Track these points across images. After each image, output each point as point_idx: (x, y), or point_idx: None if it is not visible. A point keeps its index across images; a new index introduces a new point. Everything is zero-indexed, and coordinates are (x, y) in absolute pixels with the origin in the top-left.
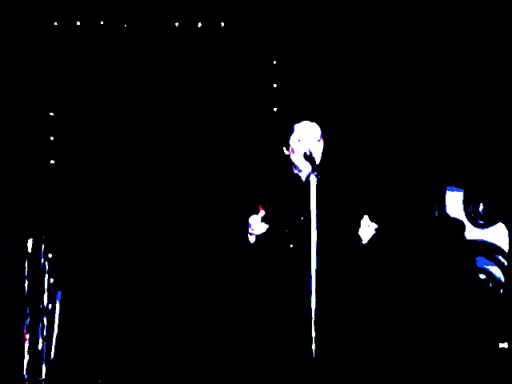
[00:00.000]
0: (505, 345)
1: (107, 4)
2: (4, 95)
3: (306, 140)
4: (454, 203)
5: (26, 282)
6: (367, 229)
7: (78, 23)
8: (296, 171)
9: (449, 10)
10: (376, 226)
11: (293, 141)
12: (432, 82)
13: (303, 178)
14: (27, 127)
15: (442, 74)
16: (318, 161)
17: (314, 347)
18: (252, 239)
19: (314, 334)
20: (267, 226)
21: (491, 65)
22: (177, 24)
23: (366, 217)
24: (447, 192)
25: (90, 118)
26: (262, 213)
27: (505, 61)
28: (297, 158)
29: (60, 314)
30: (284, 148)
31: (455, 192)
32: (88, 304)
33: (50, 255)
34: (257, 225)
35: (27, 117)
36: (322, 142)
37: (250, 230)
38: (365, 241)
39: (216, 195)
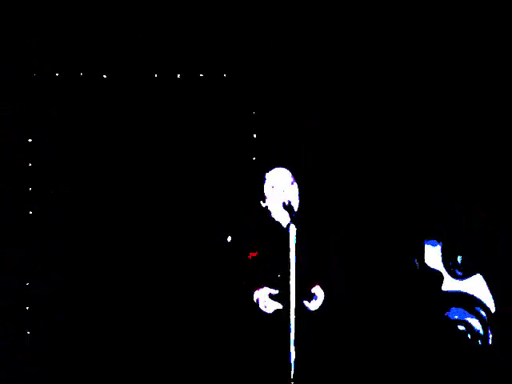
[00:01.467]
0: None
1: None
2: (3, 95)
3: (279, 187)
4: (433, 255)
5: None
6: (315, 301)
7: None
8: (276, 219)
9: (448, 10)
10: (322, 296)
11: (267, 189)
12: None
13: (284, 226)
14: (27, 128)
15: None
16: (295, 208)
17: None
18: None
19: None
20: (279, 304)
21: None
22: (156, 75)
23: (317, 287)
24: (425, 245)
25: (87, 120)
26: (268, 289)
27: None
28: (274, 208)
29: (59, 315)
30: (261, 201)
31: (433, 245)
32: (87, 305)
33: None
34: (267, 302)
35: (27, 117)
36: (295, 186)
37: (261, 306)
38: (312, 309)
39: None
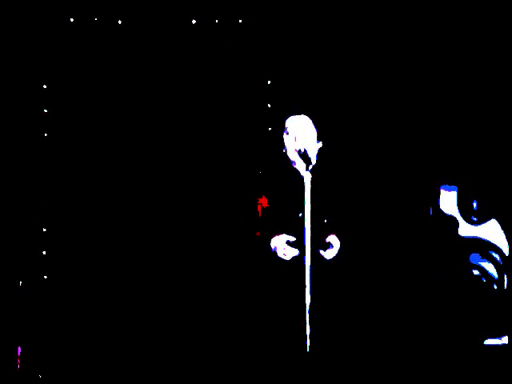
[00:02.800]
0: (505, 340)
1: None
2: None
3: (298, 135)
4: (448, 201)
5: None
6: (331, 249)
7: (72, 20)
8: (294, 166)
9: (447, 10)
10: (338, 245)
11: (286, 136)
12: (425, 79)
13: (302, 173)
14: (23, 125)
15: (436, 71)
16: (313, 157)
17: (308, 343)
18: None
19: (308, 331)
20: (297, 250)
21: (484, 61)
22: (170, 21)
23: (332, 235)
24: (441, 190)
25: (87, 116)
26: (285, 237)
27: (499, 55)
28: (291, 154)
29: (58, 313)
30: (283, 146)
31: (449, 190)
32: (87, 303)
33: (48, 253)
34: (285, 249)
35: (23, 114)
36: (315, 135)
37: (279, 254)
38: (327, 257)
39: (213, 192)
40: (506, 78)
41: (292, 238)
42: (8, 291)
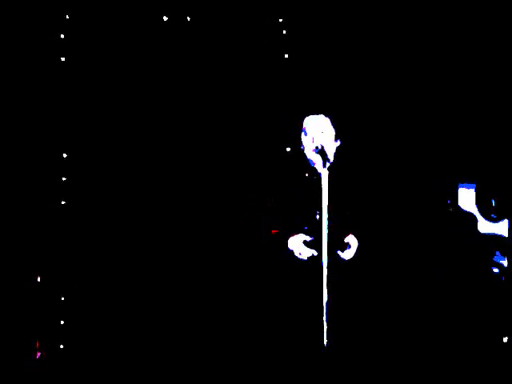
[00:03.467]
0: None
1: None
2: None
3: (316, 134)
4: (467, 198)
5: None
6: (349, 250)
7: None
8: (312, 165)
9: (454, 8)
10: (356, 245)
11: (304, 136)
12: (445, 77)
13: (318, 170)
14: (23, 127)
15: (456, 68)
16: (331, 155)
17: (325, 342)
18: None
19: (325, 328)
20: (314, 251)
21: (503, 58)
22: (189, 18)
23: (351, 235)
24: (460, 188)
25: (87, 116)
26: (303, 236)
27: None
28: (308, 152)
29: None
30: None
31: (468, 188)
32: (90, 305)
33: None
34: (301, 249)
35: (24, 118)
36: (332, 133)
37: (296, 254)
38: (345, 258)
39: (229, 190)
40: None
41: (308, 238)
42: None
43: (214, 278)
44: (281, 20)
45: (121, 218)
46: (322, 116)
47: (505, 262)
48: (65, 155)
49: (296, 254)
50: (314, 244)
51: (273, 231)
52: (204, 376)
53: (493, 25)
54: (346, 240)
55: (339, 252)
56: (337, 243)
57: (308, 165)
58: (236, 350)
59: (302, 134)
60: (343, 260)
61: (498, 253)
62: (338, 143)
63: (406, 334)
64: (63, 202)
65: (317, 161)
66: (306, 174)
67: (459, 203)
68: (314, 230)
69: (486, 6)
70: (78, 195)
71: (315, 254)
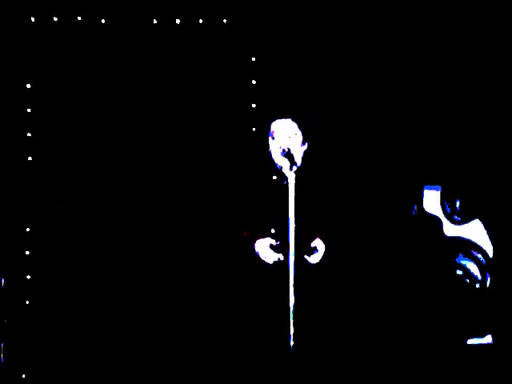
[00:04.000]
0: (488, 339)
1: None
2: None
3: (283, 137)
4: (431, 201)
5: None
6: (316, 254)
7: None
8: (279, 168)
9: (445, 10)
10: (323, 250)
11: (271, 139)
12: (409, 80)
13: (285, 173)
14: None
15: (419, 70)
16: (298, 158)
17: (292, 342)
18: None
19: (292, 330)
20: (280, 255)
21: (473, 64)
22: (155, 21)
23: (317, 239)
24: (425, 190)
25: (83, 115)
26: (269, 240)
27: (488, 61)
28: (276, 156)
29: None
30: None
31: (432, 190)
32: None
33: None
34: (267, 252)
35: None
36: (299, 136)
37: (262, 257)
38: (313, 262)
39: (197, 193)
40: (489, 76)
41: (274, 242)
42: None
43: (182, 279)
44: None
45: (94, 221)
46: (289, 120)
47: (468, 264)
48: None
49: (262, 257)
50: (281, 248)
51: (244, 234)
52: (172, 377)
53: (475, 29)
54: (312, 244)
55: (306, 256)
56: (304, 247)
57: (275, 168)
58: (204, 352)
59: (270, 137)
60: (310, 264)
61: (461, 255)
62: (305, 147)
63: (373, 335)
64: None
65: (284, 164)
66: (274, 177)
67: (424, 205)
68: (281, 234)
69: (483, 6)
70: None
71: (281, 258)
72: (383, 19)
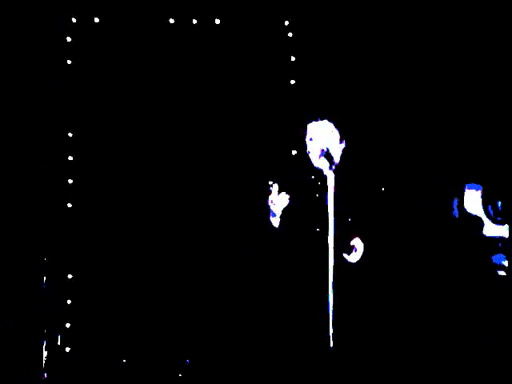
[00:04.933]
0: None
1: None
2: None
3: (320, 137)
4: (473, 200)
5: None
6: (355, 253)
7: (74, 20)
8: (318, 167)
9: (457, 9)
10: (362, 249)
11: (308, 139)
12: (448, 79)
13: (324, 173)
14: (23, 129)
15: (459, 69)
16: (336, 157)
17: (331, 342)
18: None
19: (331, 330)
20: (287, 200)
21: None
22: (194, 21)
23: (356, 238)
24: (466, 189)
25: (87, 117)
26: (276, 187)
27: None
28: (314, 156)
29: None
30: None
31: (474, 190)
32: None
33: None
34: (277, 200)
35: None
36: (336, 134)
37: (271, 208)
38: (352, 261)
39: (234, 195)
40: None
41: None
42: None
43: (217, 278)
44: (287, 23)
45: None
46: (325, 121)
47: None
48: (71, 157)
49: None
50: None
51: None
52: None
53: (491, 29)
54: (351, 243)
55: (345, 255)
56: (343, 246)
57: (314, 168)
58: (240, 350)
59: (307, 137)
60: (349, 263)
61: (503, 256)
62: (343, 145)
63: (411, 337)
64: (69, 205)
65: (323, 164)
66: (313, 177)
67: (465, 205)
68: (320, 234)
69: (484, 7)
70: (81, 197)
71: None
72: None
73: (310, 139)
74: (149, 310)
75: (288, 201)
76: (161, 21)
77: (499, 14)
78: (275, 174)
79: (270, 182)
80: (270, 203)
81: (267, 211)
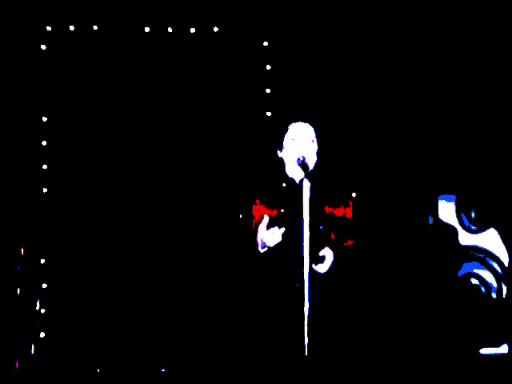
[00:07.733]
0: (504, 349)
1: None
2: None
3: (298, 142)
4: (447, 210)
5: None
6: (323, 264)
7: (72, 28)
8: (290, 174)
9: (448, 10)
10: (332, 259)
11: (286, 142)
12: (423, 87)
13: (297, 181)
14: (20, 131)
15: (433, 76)
16: (311, 165)
17: (306, 344)
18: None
19: (306, 331)
20: (279, 238)
21: (480, 71)
22: (170, 29)
23: (326, 249)
24: (439, 200)
25: (84, 120)
26: (267, 219)
27: (495, 66)
28: (289, 163)
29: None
30: (278, 151)
31: (446, 201)
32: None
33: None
34: (269, 237)
35: (21, 120)
36: (315, 143)
37: (261, 243)
38: (321, 271)
39: (208, 196)
40: (504, 84)
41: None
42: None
43: (193, 281)
44: (262, 31)
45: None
46: (304, 125)
47: (484, 273)
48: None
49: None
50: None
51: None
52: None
53: (482, 33)
54: (320, 253)
55: (313, 265)
56: (313, 257)
57: (287, 177)
58: (219, 351)
59: (284, 143)
60: (319, 273)
61: (476, 264)
62: (315, 146)
63: (386, 342)
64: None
65: (297, 173)
66: (284, 185)
67: (439, 215)
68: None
69: (480, 9)
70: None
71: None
72: (388, 21)
73: (286, 143)
74: (125, 299)
75: (281, 238)
76: (136, 28)
77: (492, 17)
78: (250, 183)
79: (263, 214)
80: (259, 235)
81: (240, 222)
